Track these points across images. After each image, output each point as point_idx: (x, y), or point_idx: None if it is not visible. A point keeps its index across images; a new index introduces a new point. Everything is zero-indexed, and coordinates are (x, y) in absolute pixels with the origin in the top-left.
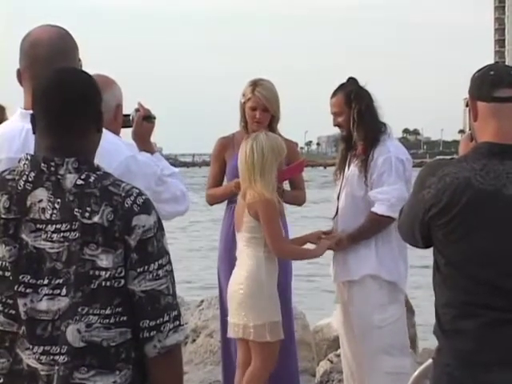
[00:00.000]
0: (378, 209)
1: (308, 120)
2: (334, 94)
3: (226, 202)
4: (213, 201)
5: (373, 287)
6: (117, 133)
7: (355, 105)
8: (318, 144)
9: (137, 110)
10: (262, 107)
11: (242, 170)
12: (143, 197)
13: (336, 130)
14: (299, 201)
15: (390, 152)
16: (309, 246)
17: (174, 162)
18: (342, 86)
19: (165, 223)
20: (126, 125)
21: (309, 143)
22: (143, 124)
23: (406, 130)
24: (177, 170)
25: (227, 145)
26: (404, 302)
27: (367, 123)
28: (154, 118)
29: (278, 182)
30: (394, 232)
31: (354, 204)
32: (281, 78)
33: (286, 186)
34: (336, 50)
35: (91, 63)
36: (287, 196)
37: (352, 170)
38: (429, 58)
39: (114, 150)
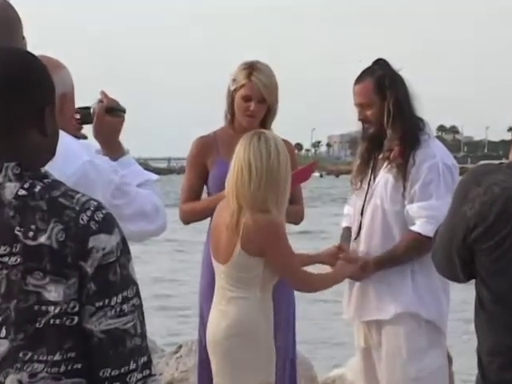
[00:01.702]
0: (423, 228)
1: (316, 115)
2: (360, 79)
3: (208, 220)
4: (190, 218)
5: (409, 328)
6: (67, 130)
7: (391, 94)
8: (328, 145)
9: (100, 101)
10: (258, 97)
11: (240, 179)
12: (103, 211)
13: (351, 128)
14: (298, 218)
15: (435, 156)
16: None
17: (145, 168)
18: (369, 70)
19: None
20: (86, 120)
21: (316, 144)
22: (106, 118)
23: (441, 128)
24: (155, 176)
25: (208, 146)
26: (446, 346)
27: (406, 118)
28: (123, 110)
29: None
30: None
31: (384, 221)
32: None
33: None
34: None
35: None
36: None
37: (383, 176)
38: (467, 37)
39: (69, 153)
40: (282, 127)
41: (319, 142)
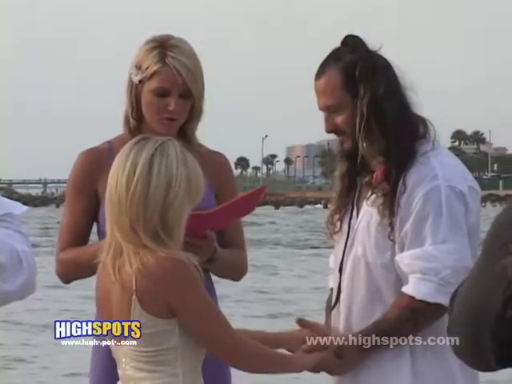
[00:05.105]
0: (416, 289)
1: (269, 116)
2: (322, 70)
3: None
4: (71, 273)
5: None
6: None
7: (366, 88)
8: (287, 161)
9: None
10: (180, 89)
11: (114, 209)
12: None
13: (324, 135)
14: (237, 269)
15: (437, 177)
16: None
17: (7, 195)
18: (335, 55)
19: None
20: None
21: (270, 160)
22: None
23: (458, 135)
24: (20, 209)
25: (99, 163)
26: None
27: (390, 122)
28: None
29: (200, 230)
30: None
31: (370, 280)
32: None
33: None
34: None
35: None
36: (218, 261)
37: (366, 212)
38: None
39: None
40: (216, 133)
41: (274, 157)
